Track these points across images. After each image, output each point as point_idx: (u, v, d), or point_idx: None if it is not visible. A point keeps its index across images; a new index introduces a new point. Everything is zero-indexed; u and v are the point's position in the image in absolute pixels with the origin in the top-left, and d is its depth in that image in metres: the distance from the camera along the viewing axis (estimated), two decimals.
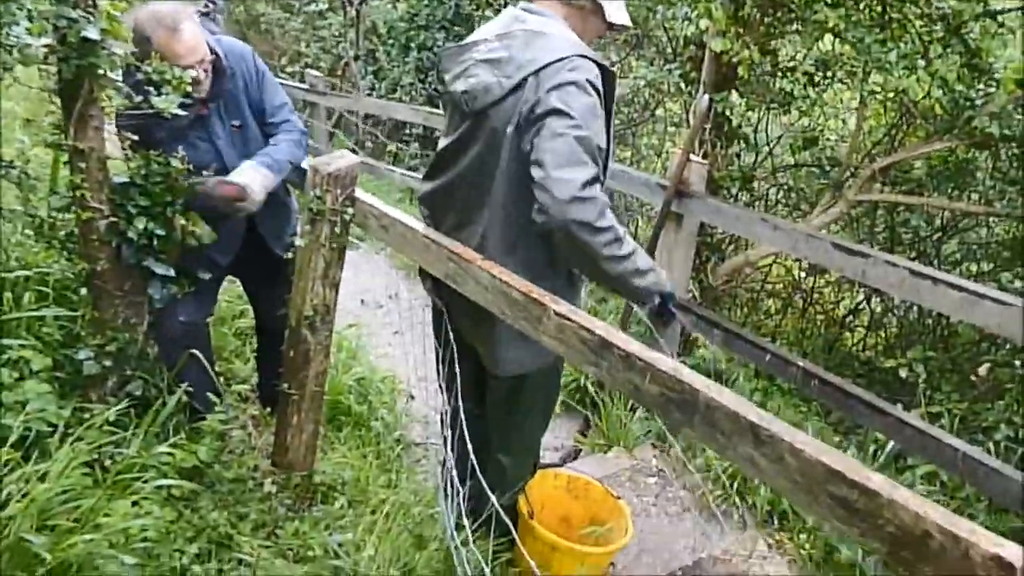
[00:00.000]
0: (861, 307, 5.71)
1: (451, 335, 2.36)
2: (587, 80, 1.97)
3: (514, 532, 2.32)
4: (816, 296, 5.92)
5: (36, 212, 2.48)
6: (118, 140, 2.39)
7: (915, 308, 5.09)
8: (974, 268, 5.07)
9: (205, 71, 2.52)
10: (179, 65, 2.38)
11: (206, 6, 3.66)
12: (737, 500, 3.27)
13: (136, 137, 2.37)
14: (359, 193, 2.30)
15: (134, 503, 2.07)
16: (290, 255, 2.66)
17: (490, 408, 2.48)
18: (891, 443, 3.20)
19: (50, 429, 2.07)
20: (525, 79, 2.00)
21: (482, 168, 2.10)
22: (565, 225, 1.86)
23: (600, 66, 2.04)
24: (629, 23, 2.26)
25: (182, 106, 2.25)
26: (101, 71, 2.13)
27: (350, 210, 2.28)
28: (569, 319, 1.56)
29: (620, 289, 2.12)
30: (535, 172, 1.90)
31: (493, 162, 2.07)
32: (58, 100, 2.22)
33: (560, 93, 1.93)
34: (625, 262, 1.96)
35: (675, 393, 1.31)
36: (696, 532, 3.12)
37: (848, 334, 5.74)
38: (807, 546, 3.01)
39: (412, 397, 3.90)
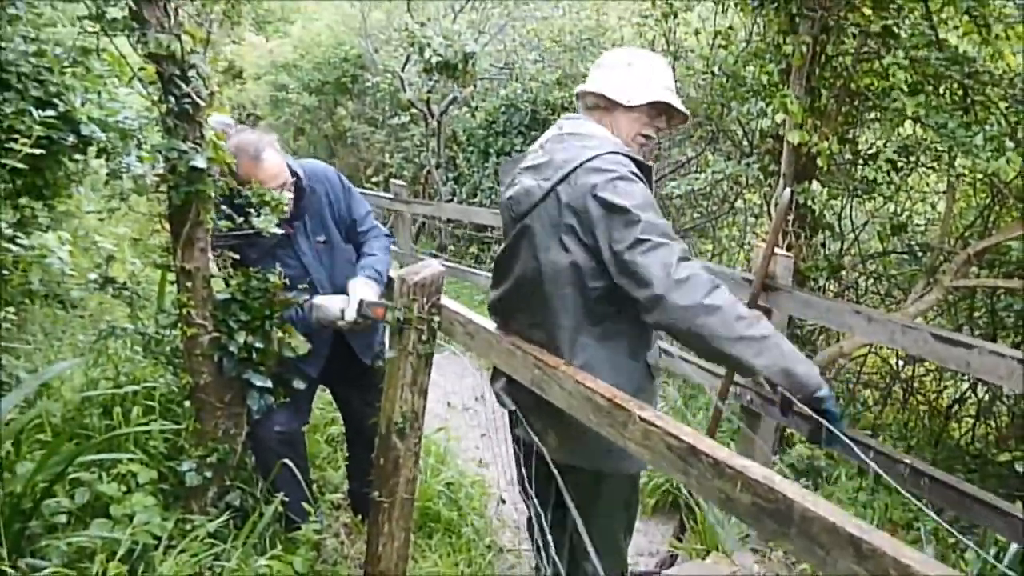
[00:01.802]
0: (967, 396, 5.43)
1: (524, 436, 2.34)
2: (629, 172, 2.01)
3: None
4: (917, 385, 5.66)
5: (144, 330, 2.63)
6: (215, 260, 2.54)
7: None
8: None
9: (289, 191, 2.68)
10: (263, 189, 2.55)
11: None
12: None
13: (237, 256, 2.52)
14: (445, 300, 2.36)
15: None
16: (379, 364, 2.73)
17: (568, 509, 2.44)
18: (1013, 545, 2.98)
19: (155, 542, 2.14)
20: (563, 179, 2.05)
21: (533, 272, 2.14)
22: (676, 312, 1.85)
23: (635, 160, 2.08)
24: (656, 97, 2.20)
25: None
26: (208, 196, 2.30)
27: (436, 318, 2.34)
28: (655, 425, 1.54)
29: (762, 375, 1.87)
30: (638, 292, 1.91)
31: (540, 266, 2.11)
32: (166, 223, 2.39)
33: (608, 191, 1.97)
34: (756, 344, 1.82)
35: (768, 503, 1.27)
36: None
37: (955, 425, 5.44)
38: None
39: (503, 501, 3.86)
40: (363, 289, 2.66)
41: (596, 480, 2.26)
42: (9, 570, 1.84)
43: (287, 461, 2.66)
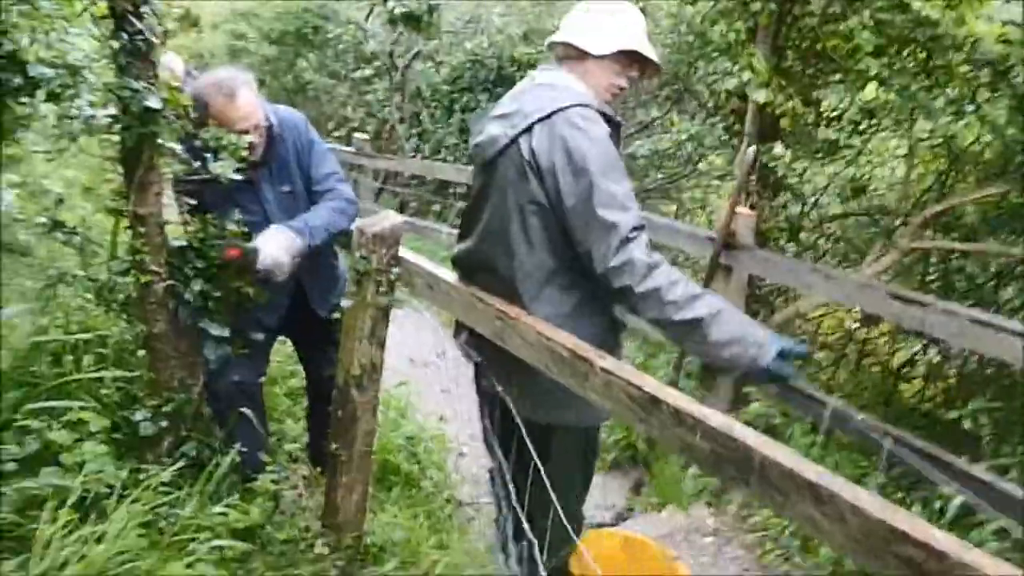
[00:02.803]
0: (917, 358, 5.55)
1: (489, 388, 2.35)
2: (595, 127, 2.01)
3: None
4: (870, 347, 5.77)
5: (96, 276, 2.55)
6: (175, 205, 2.47)
7: (975, 357, 4.93)
8: None
9: (260, 135, 2.61)
10: (234, 130, 2.47)
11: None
12: (799, 559, 3.17)
13: (195, 202, 2.45)
14: (404, 252, 2.33)
15: (188, 564, 2.08)
16: (336, 316, 2.69)
17: (527, 462, 2.45)
18: (958, 498, 3.07)
19: (107, 490, 2.10)
20: (529, 127, 2.05)
21: (499, 221, 2.14)
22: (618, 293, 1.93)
23: (604, 115, 2.08)
24: (624, 46, 2.16)
25: (234, 170, 2.33)
26: (161, 139, 2.22)
27: (395, 269, 2.31)
28: (616, 375, 1.54)
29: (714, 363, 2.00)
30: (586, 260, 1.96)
31: (506, 213, 2.11)
32: (119, 168, 2.31)
33: (572, 146, 1.97)
34: (685, 330, 1.90)
35: (728, 450, 1.28)
36: None
37: (906, 385, 5.58)
38: None
39: (462, 454, 3.88)
40: (271, 236, 2.58)
41: (550, 433, 2.27)
42: None
43: (244, 411, 2.63)
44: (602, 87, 2.20)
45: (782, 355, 1.90)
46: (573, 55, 2.19)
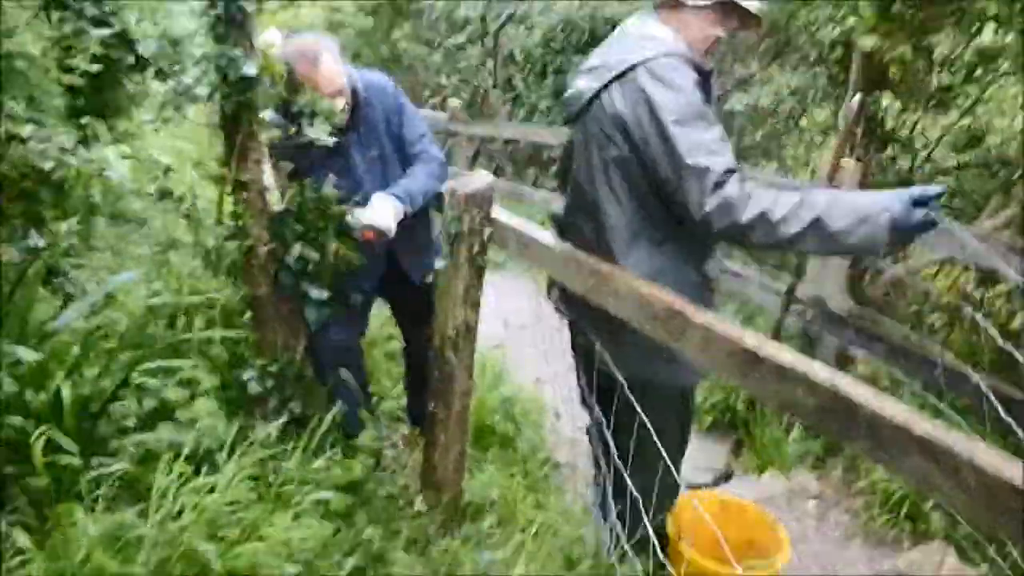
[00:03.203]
0: None
1: (585, 346, 2.33)
2: (681, 78, 1.94)
3: (661, 555, 2.24)
4: (987, 310, 5.45)
5: (204, 243, 2.66)
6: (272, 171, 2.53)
7: None
8: None
9: (344, 101, 2.64)
10: (319, 94, 2.51)
11: None
12: (908, 525, 3.05)
13: (292, 167, 2.51)
14: (497, 212, 2.32)
15: (295, 516, 2.16)
16: (428, 280, 2.72)
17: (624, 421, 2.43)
18: None
19: (219, 445, 2.20)
20: (613, 80, 2.00)
21: (587, 177, 2.11)
22: (725, 234, 1.88)
23: (695, 64, 2.00)
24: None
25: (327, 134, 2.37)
26: (259, 106, 2.28)
27: (488, 230, 2.30)
28: (715, 330, 1.50)
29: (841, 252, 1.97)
30: (680, 208, 1.93)
31: (593, 169, 2.08)
32: (221, 137, 2.39)
33: (656, 98, 1.92)
34: (808, 236, 1.79)
35: (834, 405, 1.23)
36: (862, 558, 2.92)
37: None
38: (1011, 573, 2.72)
39: (558, 416, 3.89)
40: (379, 206, 2.62)
41: (645, 392, 2.23)
42: (80, 467, 1.92)
43: (345, 371, 2.70)
44: (698, 39, 2.11)
45: (917, 203, 1.72)
46: (669, 4, 2.11)
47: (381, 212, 2.61)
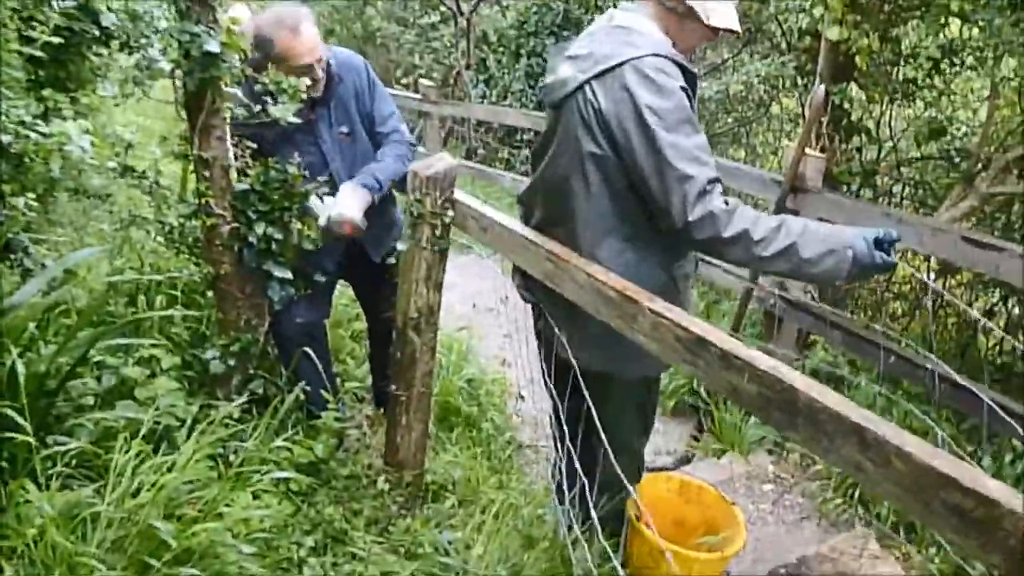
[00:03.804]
0: (997, 309, 5.34)
1: (546, 331, 2.35)
2: (670, 80, 1.92)
3: (618, 537, 2.29)
4: (946, 298, 5.56)
5: (166, 220, 2.64)
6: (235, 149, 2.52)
7: None
8: None
9: (323, 70, 2.63)
10: (300, 63, 2.51)
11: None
12: (860, 510, 3.12)
13: (256, 145, 2.50)
14: (458, 195, 2.33)
15: (254, 495, 2.17)
16: (391, 260, 2.72)
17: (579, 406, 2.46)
18: None
19: (178, 423, 2.20)
20: (600, 74, 1.97)
21: (562, 166, 2.09)
22: (704, 244, 1.90)
23: (681, 66, 1.98)
24: (734, 26, 2.09)
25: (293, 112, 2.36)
26: (222, 83, 2.26)
27: (450, 212, 2.32)
28: (664, 316, 1.53)
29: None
30: (660, 215, 1.93)
31: (569, 159, 2.06)
32: (184, 113, 2.37)
33: (643, 100, 1.90)
34: (780, 259, 1.86)
35: (775, 393, 1.27)
36: (815, 540, 2.99)
37: (982, 338, 5.37)
38: (936, 560, 2.83)
39: (522, 397, 3.92)
40: (348, 194, 2.62)
41: (606, 381, 2.25)
42: (36, 445, 1.91)
43: (308, 351, 2.70)
44: (686, 46, 2.11)
45: (877, 245, 1.85)
46: (676, 7, 2.05)
47: (351, 205, 2.61)
